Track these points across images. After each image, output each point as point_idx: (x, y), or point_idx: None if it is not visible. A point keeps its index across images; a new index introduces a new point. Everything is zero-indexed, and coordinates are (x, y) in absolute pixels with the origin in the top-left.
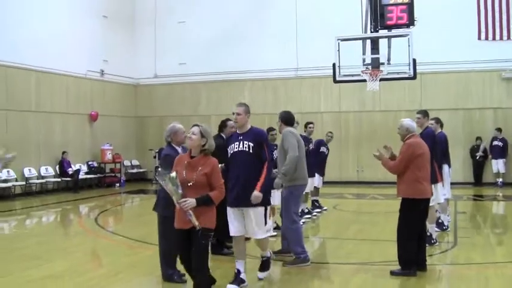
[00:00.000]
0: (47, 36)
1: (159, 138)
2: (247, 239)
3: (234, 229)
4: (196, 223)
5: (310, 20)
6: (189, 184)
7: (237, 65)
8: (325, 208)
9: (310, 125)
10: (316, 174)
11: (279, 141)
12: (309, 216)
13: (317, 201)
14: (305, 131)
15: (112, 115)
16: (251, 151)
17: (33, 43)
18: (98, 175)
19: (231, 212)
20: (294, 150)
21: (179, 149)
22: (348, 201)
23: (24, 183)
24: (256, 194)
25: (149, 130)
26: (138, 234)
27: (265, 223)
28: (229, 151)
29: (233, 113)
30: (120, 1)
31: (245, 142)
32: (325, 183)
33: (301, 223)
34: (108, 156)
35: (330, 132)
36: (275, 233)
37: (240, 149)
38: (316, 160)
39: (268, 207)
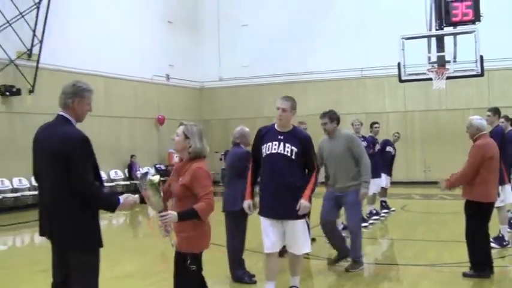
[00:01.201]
0: (115, 42)
1: (224, 141)
2: (281, 255)
3: (269, 244)
4: (174, 243)
5: (374, 19)
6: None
7: (300, 66)
8: (393, 209)
9: (376, 125)
10: (383, 175)
11: (335, 143)
12: (377, 217)
13: (385, 202)
14: (371, 131)
15: (178, 118)
16: (293, 157)
17: (101, 49)
18: (166, 178)
19: (267, 223)
20: (367, 155)
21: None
22: (415, 201)
23: None
24: (305, 204)
25: (214, 133)
26: None
27: (309, 234)
28: (263, 150)
29: (277, 108)
30: (184, 6)
31: (287, 144)
32: (392, 183)
33: (370, 224)
34: (175, 159)
35: (397, 133)
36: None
37: (279, 151)
38: (382, 160)
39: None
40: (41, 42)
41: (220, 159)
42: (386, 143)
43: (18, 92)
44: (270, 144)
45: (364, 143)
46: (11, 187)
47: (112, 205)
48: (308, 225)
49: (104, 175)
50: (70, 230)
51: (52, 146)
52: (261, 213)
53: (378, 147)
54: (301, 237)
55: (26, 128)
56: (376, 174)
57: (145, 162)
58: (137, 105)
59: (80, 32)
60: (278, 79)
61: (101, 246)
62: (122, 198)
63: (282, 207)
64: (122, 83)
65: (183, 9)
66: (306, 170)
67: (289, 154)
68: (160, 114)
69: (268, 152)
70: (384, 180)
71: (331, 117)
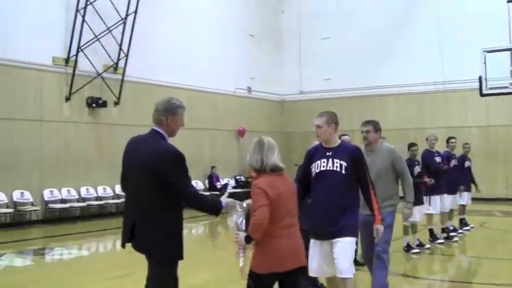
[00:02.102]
0: (198, 56)
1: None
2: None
3: (315, 267)
4: (245, 270)
5: (455, 33)
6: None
7: (381, 79)
8: (472, 226)
9: (453, 140)
10: (465, 192)
11: (376, 157)
12: (455, 234)
13: (464, 219)
14: (447, 146)
15: (259, 130)
16: (343, 171)
17: (184, 63)
18: (246, 189)
19: (316, 245)
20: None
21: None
22: (496, 219)
23: None
24: (380, 229)
25: (295, 145)
26: None
27: (354, 257)
28: (313, 169)
29: (313, 125)
30: (266, 20)
31: (336, 160)
32: (472, 199)
33: (445, 240)
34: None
35: (467, 144)
36: (417, 251)
37: (328, 168)
38: (462, 176)
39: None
40: (126, 56)
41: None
42: (464, 158)
43: (104, 104)
44: (318, 162)
45: (438, 159)
46: (95, 195)
47: (217, 209)
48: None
49: None
50: (154, 242)
51: (145, 160)
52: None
53: (453, 162)
54: (346, 257)
55: (111, 139)
56: (452, 191)
57: (226, 173)
58: (218, 117)
59: (164, 46)
60: (358, 92)
61: (182, 258)
62: (223, 201)
63: (326, 227)
64: (204, 96)
65: (265, 23)
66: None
67: (338, 169)
68: (241, 126)
69: (317, 171)
70: (465, 196)
71: (376, 126)
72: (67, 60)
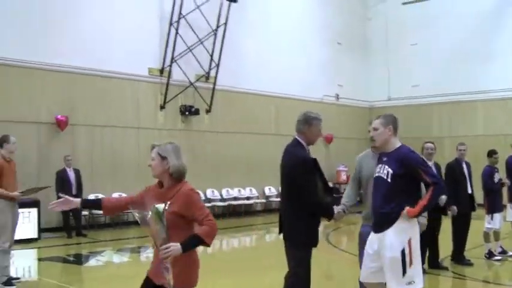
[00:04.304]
0: (286, 64)
1: None
2: None
3: (364, 271)
4: (172, 283)
5: None
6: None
7: (470, 85)
8: None
9: (495, 156)
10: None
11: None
12: (500, 257)
13: None
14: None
15: (347, 137)
16: (389, 179)
17: (273, 72)
18: (334, 195)
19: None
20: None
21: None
22: None
23: (264, 200)
24: (404, 214)
25: None
26: None
27: (404, 272)
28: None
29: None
30: (353, 27)
31: (386, 166)
32: None
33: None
34: (343, 177)
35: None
36: (499, 258)
37: (379, 174)
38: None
39: (409, 247)
40: (217, 65)
41: None
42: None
43: (196, 112)
44: (377, 166)
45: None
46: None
47: (330, 215)
48: (404, 259)
49: (274, 190)
50: (293, 231)
51: (284, 163)
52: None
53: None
54: (391, 270)
55: (203, 145)
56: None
57: None
58: None
59: (253, 55)
60: (446, 98)
61: (315, 245)
62: (335, 209)
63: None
64: (293, 103)
65: (352, 30)
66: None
67: (385, 177)
68: (328, 133)
69: (375, 175)
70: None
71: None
72: (162, 71)
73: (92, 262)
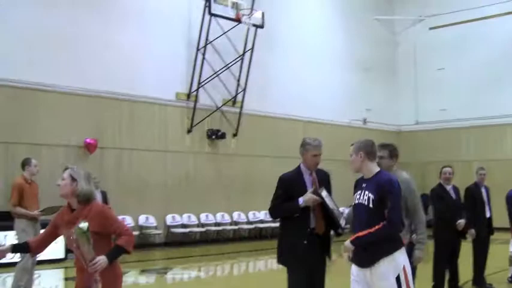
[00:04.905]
0: (312, 89)
1: (421, 184)
2: None
3: None
4: None
5: None
6: (75, 246)
7: (498, 109)
8: None
9: None
10: None
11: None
12: None
13: None
14: None
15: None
16: (371, 205)
17: (299, 95)
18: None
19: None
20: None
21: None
22: None
23: None
24: (348, 245)
25: (412, 176)
26: None
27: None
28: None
29: None
30: (381, 52)
31: (366, 192)
32: None
33: None
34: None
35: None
36: None
37: (359, 201)
38: None
39: (404, 274)
40: (244, 90)
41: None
42: None
43: (223, 136)
44: (356, 194)
45: None
46: (214, 221)
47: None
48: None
49: None
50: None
51: None
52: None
53: None
54: None
55: (230, 168)
56: None
57: (342, 203)
58: (333, 148)
59: (280, 80)
60: (475, 122)
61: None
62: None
63: (359, 261)
64: (320, 127)
65: (381, 56)
66: None
67: (366, 203)
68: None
69: (354, 203)
70: None
71: (392, 152)
72: (189, 96)
73: None
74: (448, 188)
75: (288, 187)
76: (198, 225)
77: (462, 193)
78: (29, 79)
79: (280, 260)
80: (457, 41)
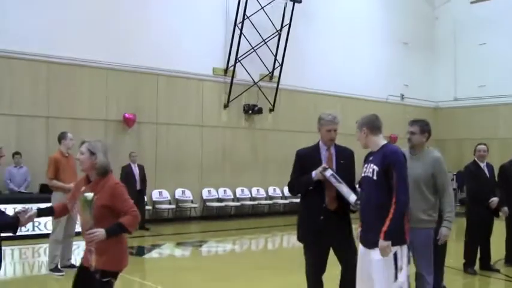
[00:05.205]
0: (350, 64)
1: (458, 161)
2: None
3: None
4: (94, 264)
5: None
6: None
7: None
8: None
9: None
10: None
11: (418, 163)
12: None
13: None
14: None
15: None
16: (375, 177)
17: (337, 71)
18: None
19: (361, 249)
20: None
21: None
22: None
23: None
24: (382, 244)
25: (448, 152)
26: None
27: (395, 278)
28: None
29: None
30: (420, 27)
31: (371, 165)
32: None
33: None
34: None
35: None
36: None
37: (365, 174)
38: None
39: (400, 253)
40: (281, 65)
41: (452, 180)
42: None
43: (259, 111)
44: (364, 167)
45: None
46: (249, 196)
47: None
48: (396, 264)
49: None
50: None
51: None
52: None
53: None
54: (380, 275)
55: (266, 144)
56: None
57: None
58: None
59: (317, 55)
60: None
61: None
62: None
63: (362, 236)
64: (356, 103)
65: (420, 31)
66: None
67: (370, 175)
68: (393, 133)
69: (361, 176)
70: None
71: (423, 128)
72: (226, 71)
73: (153, 254)
74: (482, 165)
75: (304, 162)
76: (233, 200)
77: (497, 171)
78: (68, 55)
79: (298, 237)
80: (499, 16)
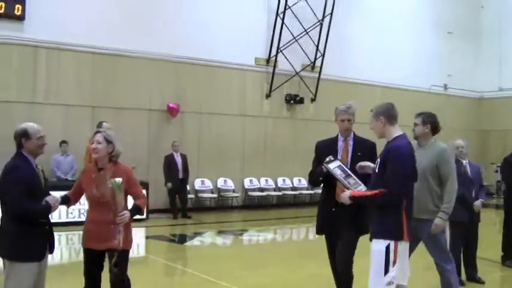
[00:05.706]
0: (392, 54)
1: (501, 152)
2: None
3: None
4: (121, 244)
5: None
6: (102, 201)
7: None
8: None
9: None
10: None
11: (424, 154)
12: None
13: None
14: None
15: (453, 128)
16: (376, 169)
17: (379, 60)
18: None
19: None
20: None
21: None
22: None
23: None
24: (343, 195)
25: (491, 143)
26: None
27: (386, 271)
28: None
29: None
30: (466, 16)
31: (379, 157)
32: None
33: None
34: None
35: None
36: None
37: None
38: None
39: (393, 247)
40: (323, 55)
41: (496, 171)
42: None
43: (301, 101)
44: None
45: None
46: (291, 185)
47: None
48: (388, 257)
49: None
50: None
51: None
52: None
53: None
54: (373, 267)
55: (307, 134)
56: None
57: None
58: (413, 113)
59: (359, 45)
60: None
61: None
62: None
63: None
64: (399, 93)
65: (464, 19)
66: None
67: (376, 167)
68: None
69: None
70: None
71: (425, 119)
72: (268, 61)
73: (195, 242)
74: None
75: (321, 153)
76: (275, 189)
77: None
78: (113, 46)
79: (316, 229)
80: None
